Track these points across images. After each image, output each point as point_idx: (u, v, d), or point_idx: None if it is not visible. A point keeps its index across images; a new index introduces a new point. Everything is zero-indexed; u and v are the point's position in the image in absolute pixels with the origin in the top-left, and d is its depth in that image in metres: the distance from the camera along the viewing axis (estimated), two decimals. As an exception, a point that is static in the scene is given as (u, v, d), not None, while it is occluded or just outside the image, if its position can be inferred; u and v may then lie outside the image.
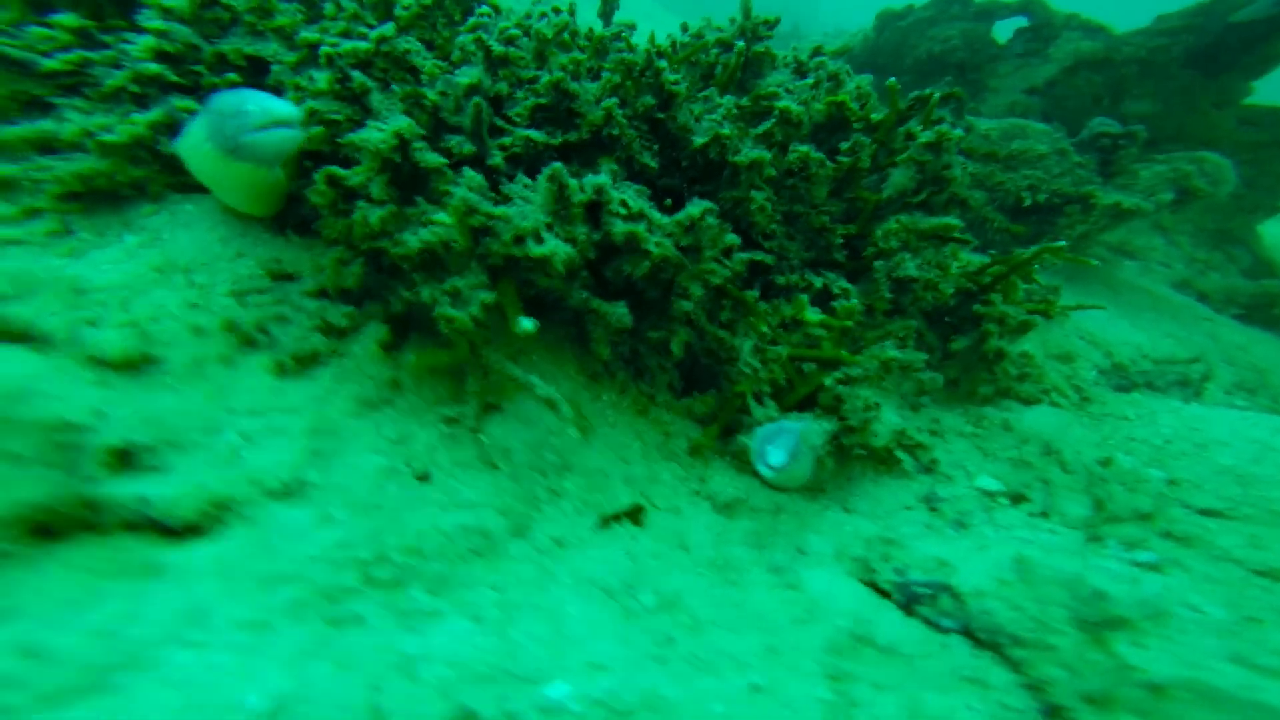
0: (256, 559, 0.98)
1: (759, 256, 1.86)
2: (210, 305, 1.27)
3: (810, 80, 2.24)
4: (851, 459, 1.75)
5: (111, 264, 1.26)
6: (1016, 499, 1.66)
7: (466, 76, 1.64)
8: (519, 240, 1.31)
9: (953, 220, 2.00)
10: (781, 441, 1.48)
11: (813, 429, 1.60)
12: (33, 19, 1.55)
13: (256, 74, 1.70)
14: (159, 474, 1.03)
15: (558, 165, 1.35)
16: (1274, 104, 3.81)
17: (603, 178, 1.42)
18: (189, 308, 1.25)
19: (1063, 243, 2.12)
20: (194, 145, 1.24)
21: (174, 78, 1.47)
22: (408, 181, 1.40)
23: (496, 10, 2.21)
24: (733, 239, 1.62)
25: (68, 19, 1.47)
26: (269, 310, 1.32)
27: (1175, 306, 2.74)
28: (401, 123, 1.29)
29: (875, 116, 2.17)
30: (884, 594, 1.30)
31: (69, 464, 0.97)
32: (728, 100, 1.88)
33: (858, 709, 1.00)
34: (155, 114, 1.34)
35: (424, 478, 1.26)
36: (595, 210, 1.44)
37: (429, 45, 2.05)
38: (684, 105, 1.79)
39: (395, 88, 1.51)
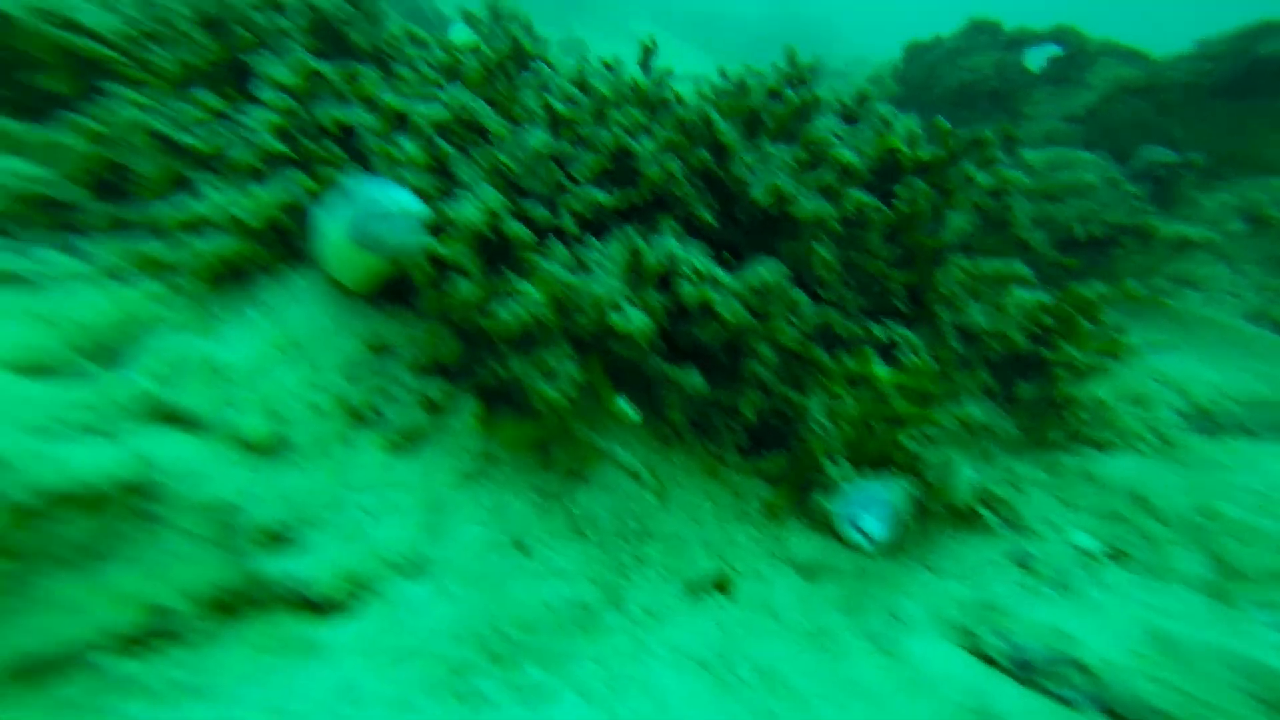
0: (390, 635, 1.03)
1: (828, 316, 1.83)
2: (324, 383, 1.34)
3: (860, 124, 2.25)
4: (931, 516, 1.68)
5: (241, 342, 1.34)
6: (1117, 556, 1.56)
7: (535, 139, 1.69)
8: (602, 314, 1.32)
9: (1019, 267, 1.95)
10: (877, 512, 1.44)
11: (898, 493, 1.55)
12: (176, 93, 1.67)
13: (347, 138, 1.78)
14: (302, 551, 1.10)
15: (636, 239, 1.37)
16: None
17: (672, 243, 1.44)
18: (308, 386, 1.31)
19: (1133, 283, 2.04)
20: (333, 238, 1.30)
21: (290, 152, 1.55)
22: (495, 252, 1.44)
23: (548, 64, 2.30)
24: (802, 298, 1.61)
25: (209, 98, 1.57)
26: (375, 386, 1.38)
27: (1249, 338, 2.60)
28: (490, 196, 1.33)
29: (924, 155, 2.16)
30: (991, 662, 1.23)
31: (230, 543, 1.03)
32: (782, 150, 1.90)
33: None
34: (282, 193, 1.41)
35: (522, 548, 1.28)
36: (667, 276, 1.45)
37: (491, 102, 2.14)
38: (738, 157, 1.81)
39: (474, 153, 1.57)
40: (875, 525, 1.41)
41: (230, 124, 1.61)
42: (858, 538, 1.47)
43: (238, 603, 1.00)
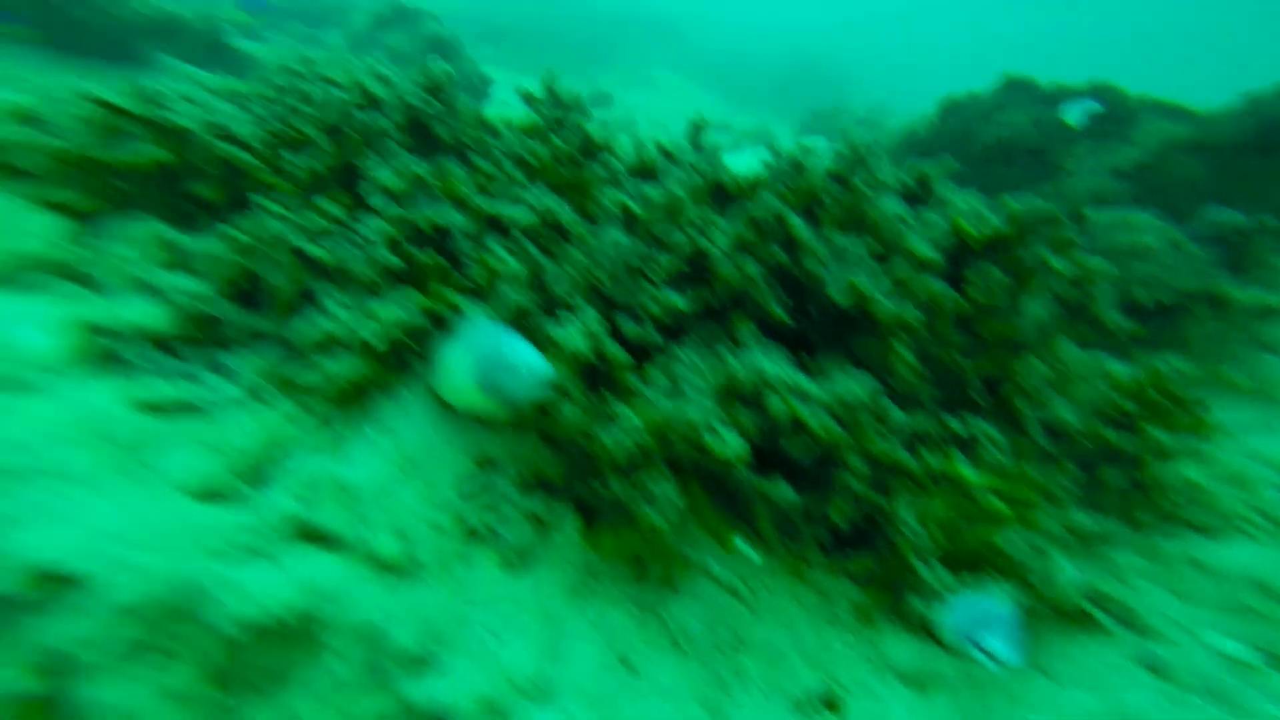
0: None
1: (916, 421, 1.79)
2: (440, 500, 1.38)
3: (924, 205, 2.25)
4: (1035, 615, 1.59)
5: (364, 461, 1.41)
6: (1275, 660, 1.42)
7: (614, 242, 1.74)
8: (698, 438, 1.32)
9: (1112, 365, 1.89)
10: (1000, 631, 1.36)
11: (1008, 604, 1.47)
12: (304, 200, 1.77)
13: (442, 240, 1.86)
14: (440, 674, 1.13)
15: (728, 359, 1.38)
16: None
17: (761, 358, 1.44)
18: (426, 504, 1.36)
19: (1229, 369, 1.94)
20: (459, 378, 1.35)
21: (402, 265, 1.63)
22: (593, 371, 1.47)
23: (609, 150, 2.39)
24: (891, 408, 1.58)
25: (330, 206, 1.68)
26: (485, 503, 1.43)
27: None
28: (592, 320, 1.37)
29: (991, 231, 2.12)
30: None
31: (379, 665, 1.06)
32: (853, 243, 1.90)
33: None
34: (402, 314, 1.48)
35: (628, 665, 1.28)
36: (757, 392, 1.45)
37: (560, 189, 2.23)
38: (811, 253, 1.83)
39: (564, 264, 1.62)
40: (1002, 647, 1.33)
41: (348, 231, 1.71)
42: (981, 658, 1.39)
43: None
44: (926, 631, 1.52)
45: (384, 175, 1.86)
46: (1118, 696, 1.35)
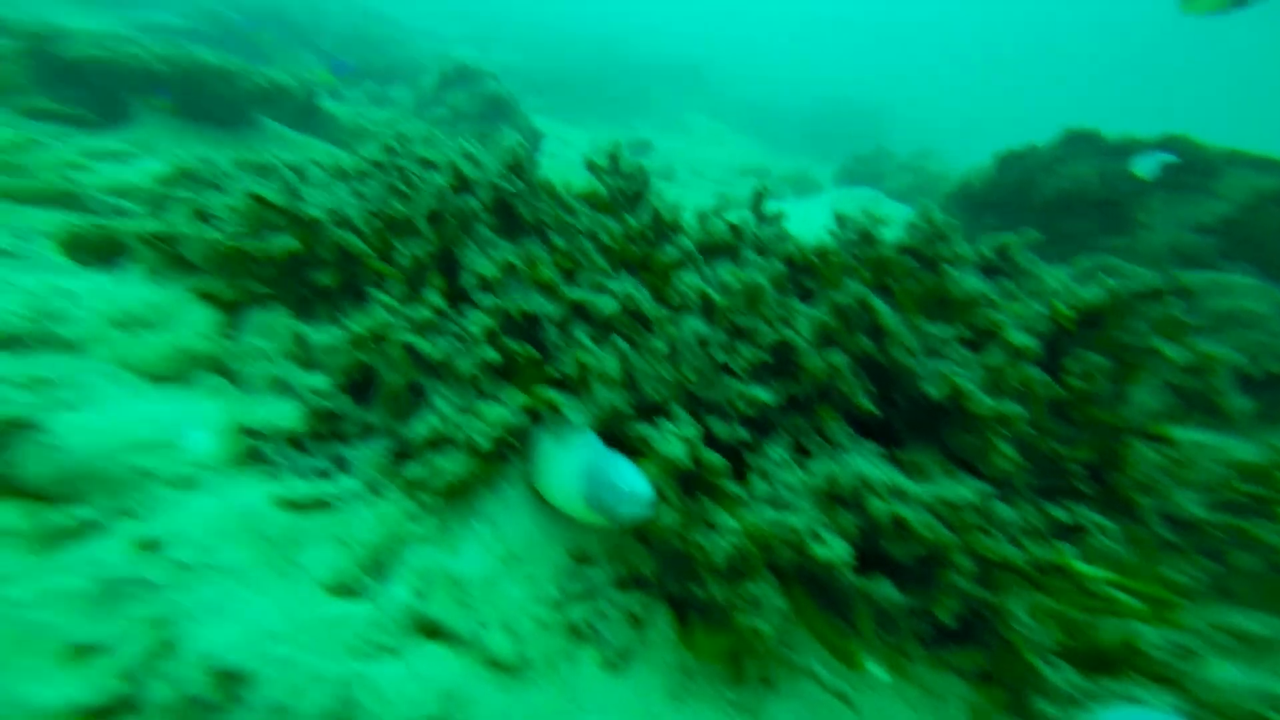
0: None
1: (1027, 516, 1.70)
2: (543, 596, 1.41)
3: (1008, 281, 2.19)
4: None
5: (473, 555, 1.46)
6: None
7: (693, 333, 1.77)
8: (803, 545, 1.31)
9: (1232, 446, 1.75)
10: None
11: (1170, 713, 1.34)
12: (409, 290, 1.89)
13: (533, 328, 1.94)
14: None
15: (831, 466, 1.37)
16: None
17: (862, 462, 1.42)
18: (531, 600, 1.39)
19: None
20: (565, 493, 1.41)
21: (499, 359, 1.72)
22: (689, 475, 1.48)
23: (679, 228, 2.45)
24: (1007, 512, 1.51)
25: (433, 296, 1.80)
26: (584, 599, 1.45)
27: None
28: (687, 428, 1.40)
29: (1079, 308, 2.03)
30: None
31: None
32: (941, 328, 1.87)
33: None
34: (508, 415, 1.55)
35: None
36: (858, 495, 1.42)
37: (633, 267, 2.30)
38: (899, 342, 1.81)
39: (656, 367, 1.65)
40: None
41: (450, 323, 1.81)
42: None
43: None
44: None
45: (480, 264, 1.98)
46: None
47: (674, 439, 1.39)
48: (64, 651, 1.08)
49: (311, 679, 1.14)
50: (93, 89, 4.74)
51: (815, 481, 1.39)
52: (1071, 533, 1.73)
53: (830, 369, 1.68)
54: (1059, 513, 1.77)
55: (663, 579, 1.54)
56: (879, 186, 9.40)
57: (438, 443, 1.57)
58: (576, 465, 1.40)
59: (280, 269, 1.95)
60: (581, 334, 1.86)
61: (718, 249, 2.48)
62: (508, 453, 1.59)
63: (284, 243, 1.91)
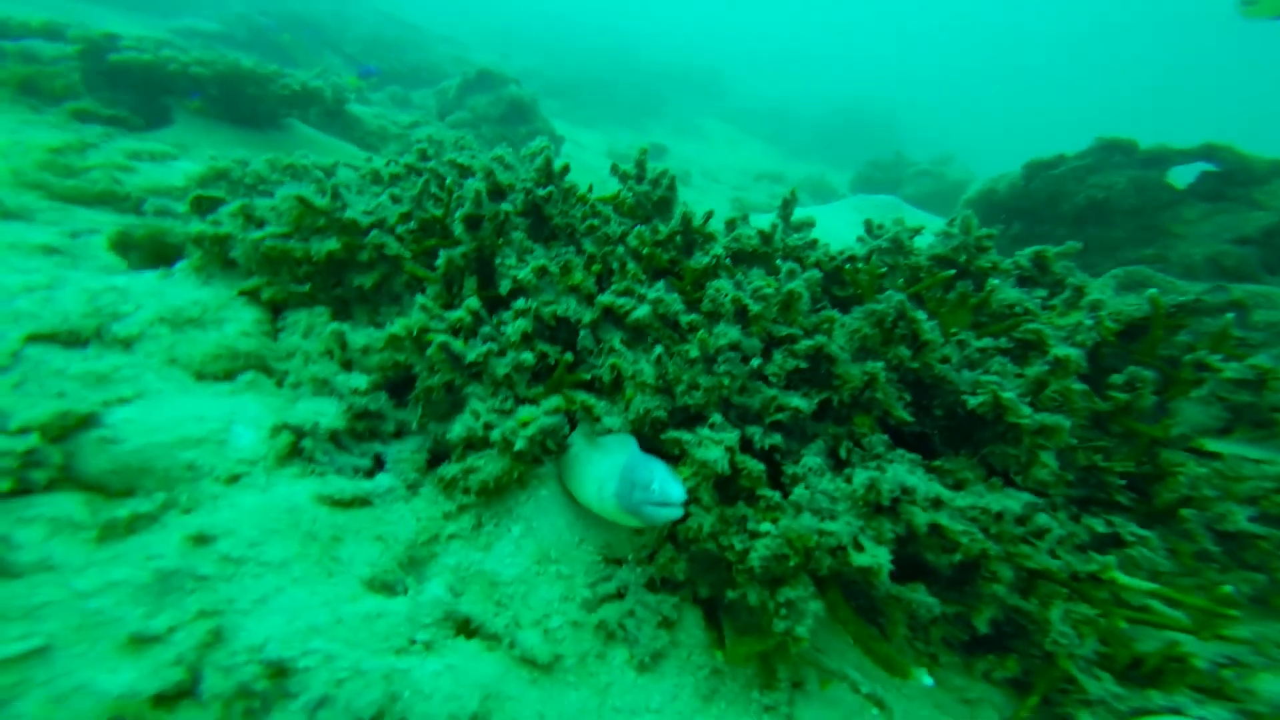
0: None
1: (1070, 529, 1.67)
2: (577, 596, 1.42)
3: (1044, 291, 2.15)
4: None
5: (508, 556, 1.47)
6: None
7: (728, 341, 1.76)
8: (843, 551, 1.29)
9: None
10: None
11: None
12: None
13: (569, 333, 1.95)
14: None
15: (873, 475, 1.35)
16: None
17: (903, 472, 1.40)
18: (565, 601, 1.39)
19: None
20: (599, 495, 1.41)
21: (534, 362, 1.73)
22: (726, 481, 1.47)
23: (709, 235, 2.44)
24: (1048, 523, 1.48)
25: (472, 300, 1.81)
26: (616, 600, 1.44)
27: None
28: (727, 435, 1.39)
29: (1112, 317, 1.97)
30: None
31: None
32: (984, 342, 1.83)
33: None
34: (543, 417, 1.55)
35: None
36: (895, 502, 1.40)
37: (665, 274, 2.29)
38: (937, 352, 1.78)
39: (694, 374, 1.64)
40: None
41: (487, 325, 1.83)
42: None
43: None
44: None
45: (515, 268, 1.99)
46: None
47: (712, 445, 1.38)
48: (125, 640, 1.11)
49: (354, 673, 1.15)
50: (135, 91, 4.89)
51: (855, 489, 1.37)
52: (1110, 544, 1.69)
53: (868, 378, 1.66)
54: (1097, 524, 1.72)
55: (694, 581, 1.53)
56: (897, 192, 9.29)
57: (473, 443, 1.58)
58: (612, 466, 1.40)
59: (321, 270, 1.99)
60: (615, 338, 1.86)
61: (748, 256, 2.47)
62: (541, 454, 1.59)
63: (326, 245, 1.94)
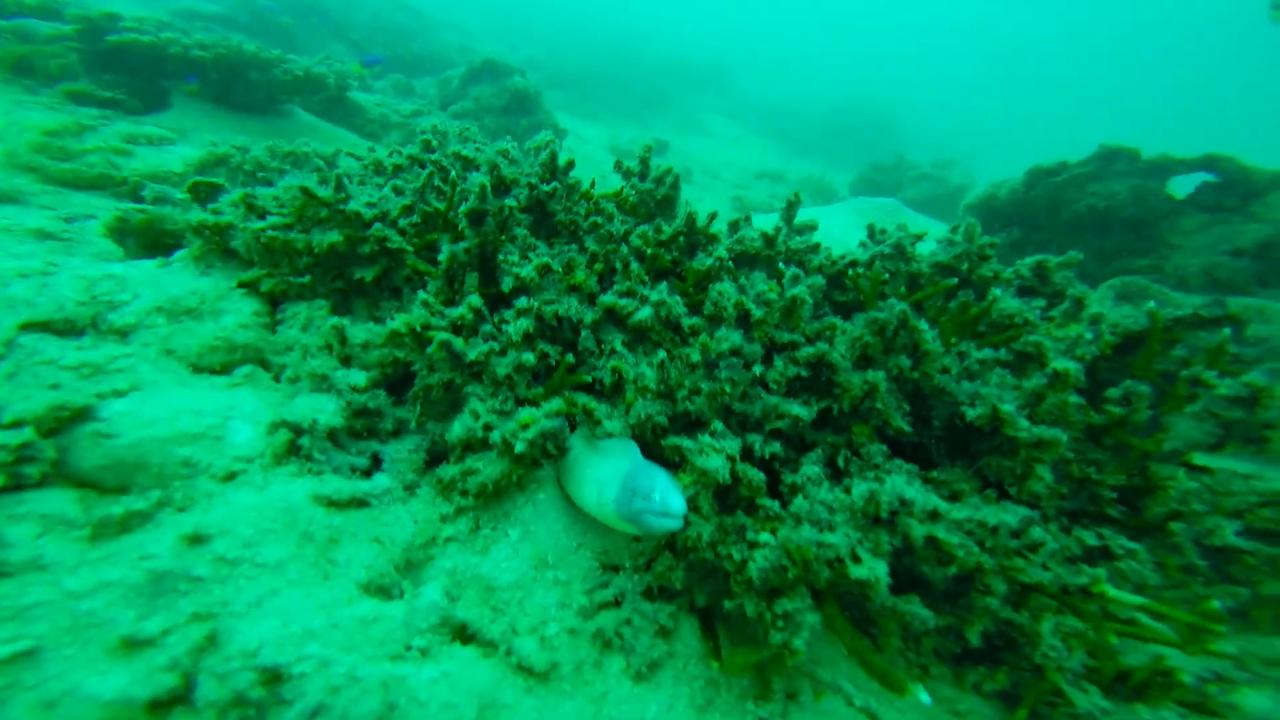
0: None
1: (1063, 543, 1.66)
2: (574, 603, 1.39)
3: (1043, 300, 2.13)
4: None
5: (505, 561, 1.44)
6: None
7: (729, 346, 1.73)
8: (841, 564, 1.27)
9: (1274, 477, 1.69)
10: None
11: None
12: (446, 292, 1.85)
13: (570, 332, 1.91)
14: None
15: (873, 487, 1.33)
16: None
17: (902, 484, 1.38)
18: (561, 608, 1.37)
19: None
20: (598, 501, 1.39)
21: (536, 364, 1.69)
22: (726, 489, 1.45)
23: (712, 237, 2.40)
24: (1043, 536, 1.47)
25: (474, 298, 1.77)
26: (613, 608, 1.42)
27: None
28: (729, 444, 1.37)
29: (1110, 330, 1.95)
30: None
31: None
32: (984, 353, 1.81)
33: None
34: (540, 415, 1.52)
35: None
36: (894, 515, 1.39)
37: (667, 275, 2.26)
38: (937, 362, 1.76)
39: (695, 380, 1.61)
40: None
41: (488, 324, 1.79)
42: None
43: None
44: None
45: (518, 265, 1.95)
46: None
47: (714, 453, 1.36)
48: (117, 643, 1.08)
49: (350, 680, 1.13)
50: (134, 73, 4.77)
51: (854, 501, 1.36)
52: (1100, 556, 1.69)
53: (868, 388, 1.63)
54: (1088, 536, 1.72)
55: (691, 589, 1.52)
56: (898, 195, 9.24)
57: (472, 444, 1.55)
58: (613, 472, 1.37)
59: (321, 262, 1.95)
60: (616, 340, 1.83)
61: (750, 258, 2.43)
62: (541, 457, 1.57)
63: (328, 237, 1.89)
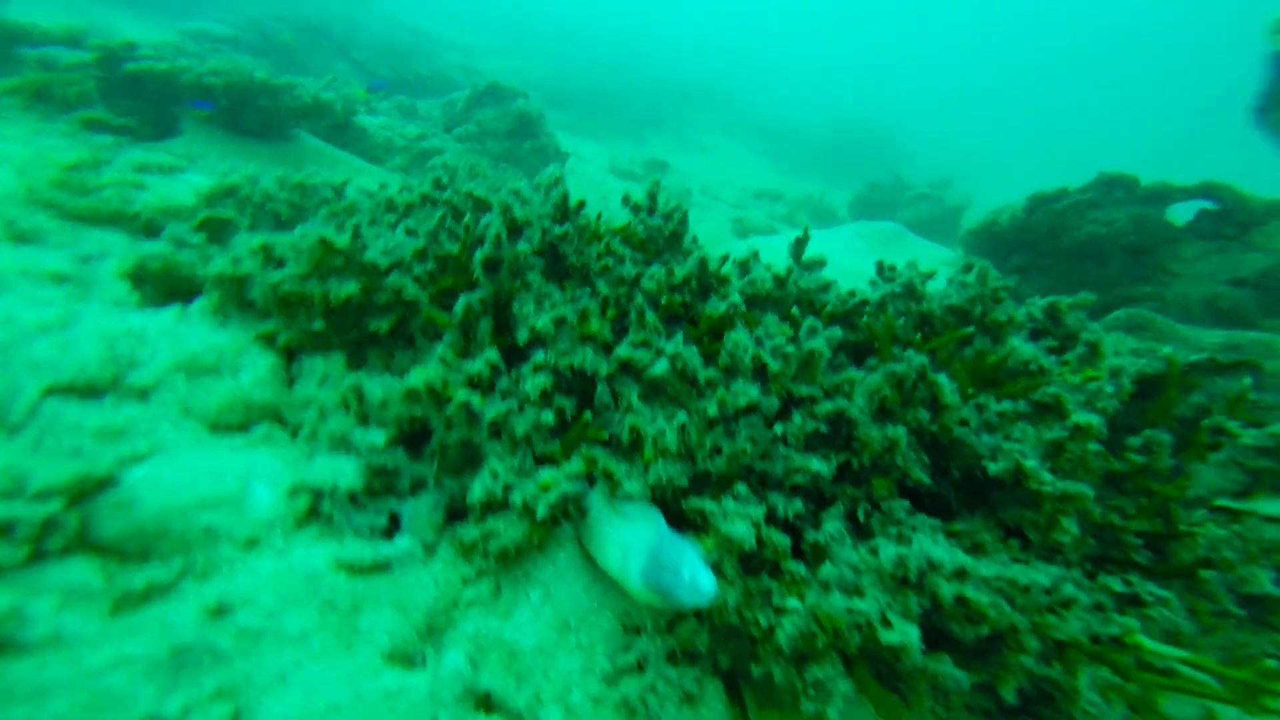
0: None
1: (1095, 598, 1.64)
2: (597, 668, 1.38)
3: (1054, 341, 2.14)
4: None
5: (527, 624, 1.43)
6: None
7: (747, 401, 1.72)
8: (873, 632, 1.26)
9: None
10: None
11: None
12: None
13: (586, 385, 1.90)
14: None
15: (900, 550, 1.32)
16: None
17: (932, 547, 1.37)
18: (585, 673, 1.35)
19: None
20: (622, 569, 1.38)
21: (553, 422, 1.68)
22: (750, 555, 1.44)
23: (724, 279, 2.41)
24: (1074, 593, 1.46)
25: (491, 352, 1.76)
26: (636, 672, 1.39)
27: None
28: (756, 512, 1.36)
29: (1137, 374, 1.94)
30: None
31: None
32: (1004, 405, 1.80)
33: None
34: (560, 477, 1.51)
35: None
36: (924, 577, 1.38)
37: (679, 320, 2.27)
38: (956, 415, 1.76)
39: (717, 439, 1.60)
40: None
41: (505, 377, 1.78)
42: None
43: None
44: None
45: (533, 316, 1.96)
46: None
47: (738, 519, 1.35)
48: (140, 730, 1.06)
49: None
50: (147, 100, 4.83)
51: (882, 564, 1.35)
52: (1128, 603, 1.67)
53: (889, 443, 1.63)
54: (1114, 582, 1.70)
55: (715, 652, 1.50)
56: (896, 216, 9.33)
57: (493, 505, 1.54)
58: (637, 539, 1.36)
59: (337, 313, 1.95)
60: (633, 394, 1.83)
61: (762, 300, 2.44)
62: (561, 518, 1.56)
63: (345, 288, 1.90)
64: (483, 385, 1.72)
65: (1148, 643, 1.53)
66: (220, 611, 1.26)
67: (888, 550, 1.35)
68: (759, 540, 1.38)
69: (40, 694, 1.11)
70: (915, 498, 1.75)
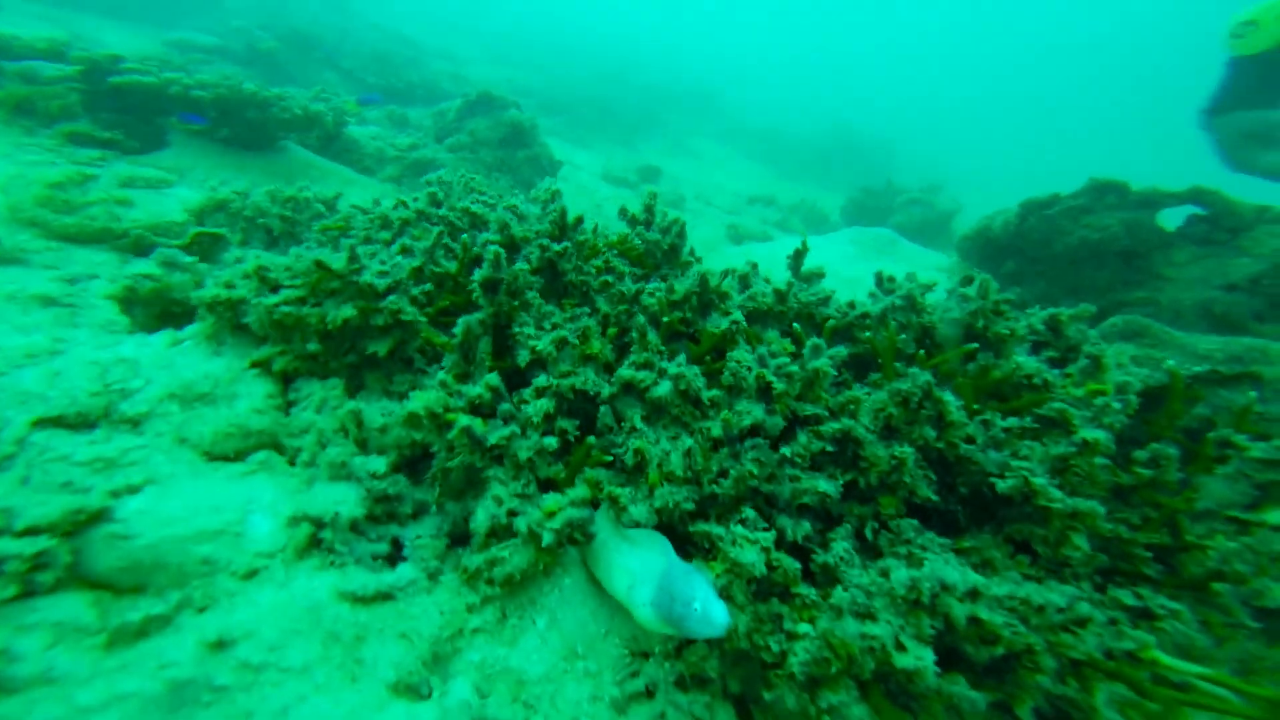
0: None
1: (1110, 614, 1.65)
2: (605, 696, 1.37)
3: (1055, 353, 2.16)
4: None
5: (534, 652, 1.42)
6: None
7: (752, 421, 1.73)
8: (886, 654, 1.26)
9: None
10: None
11: None
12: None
13: (588, 406, 1.90)
14: None
15: (913, 574, 1.33)
16: None
17: (943, 568, 1.38)
18: (593, 700, 1.35)
19: None
20: (633, 595, 1.37)
21: (557, 445, 1.67)
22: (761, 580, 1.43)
23: (725, 294, 2.42)
24: (1090, 611, 1.47)
25: (492, 377, 1.76)
26: (646, 699, 1.39)
27: None
28: (765, 538, 1.37)
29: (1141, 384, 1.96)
30: None
31: None
32: (1010, 422, 1.82)
33: None
34: (570, 509, 1.50)
35: None
36: (934, 598, 1.39)
37: (680, 336, 2.27)
38: (962, 431, 1.77)
39: (723, 462, 1.61)
40: None
41: (505, 401, 1.78)
42: None
43: None
44: None
45: (534, 338, 1.95)
46: None
47: (748, 544, 1.35)
48: (140, 779, 1.03)
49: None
50: (133, 113, 4.80)
51: (894, 587, 1.35)
52: (1139, 616, 1.68)
53: (896, 462, 1.64)
54: (1124, 595, 1.71)
55: (725, 677, 1.49)
56: (888, 220, 9.45)
57: (497, 531, 1.53)
58: (646, 567, 1.36)
59: (334, 336, 1.94)
60: (635, 415, 1.83)
61: (762, 315, 2.46)
62: (567, 544, 1.55)
63: (342, 312, 1.89)
64: (484, 409, 1.72)
65: (1164, 658, 1.54)
66: (220, 645, 1.24)
67: (899, 572, 1.36)
68: (769, 565, 1.38)
69: (30, 739, 1.08)
70: (922, 514, 1.76)
